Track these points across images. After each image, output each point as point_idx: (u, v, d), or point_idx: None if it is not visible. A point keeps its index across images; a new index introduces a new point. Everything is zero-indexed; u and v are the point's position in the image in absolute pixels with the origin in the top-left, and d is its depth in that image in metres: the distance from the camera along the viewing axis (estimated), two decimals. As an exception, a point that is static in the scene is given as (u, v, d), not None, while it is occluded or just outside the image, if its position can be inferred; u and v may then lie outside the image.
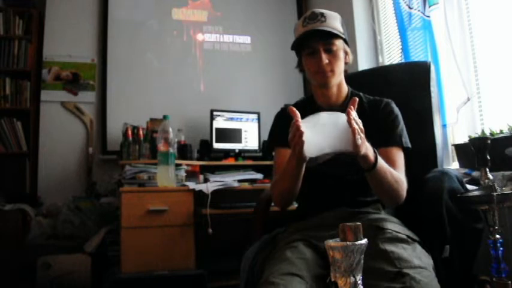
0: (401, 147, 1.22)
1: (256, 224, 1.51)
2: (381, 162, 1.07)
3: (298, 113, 1.02)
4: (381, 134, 1.19)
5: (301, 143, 0.98)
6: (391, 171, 1.10)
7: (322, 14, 1.22)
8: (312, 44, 1.22)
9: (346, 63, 1.28)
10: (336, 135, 0.99)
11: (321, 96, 1.30)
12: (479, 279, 1.16)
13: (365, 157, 1.03)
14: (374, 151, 1.05)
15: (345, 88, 1.32)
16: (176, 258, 2.12)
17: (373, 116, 1.23)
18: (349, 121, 0.96)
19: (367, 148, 1.02)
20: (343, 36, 1.22)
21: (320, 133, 0.99)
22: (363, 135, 0.99)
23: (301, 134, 0.98)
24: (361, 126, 0.99)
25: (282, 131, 1.31)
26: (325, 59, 1.20)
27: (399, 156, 1.20)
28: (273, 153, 1.35)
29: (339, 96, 1.30)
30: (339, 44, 1.23)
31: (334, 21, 1.23)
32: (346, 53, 1.26)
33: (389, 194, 1.13)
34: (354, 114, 0.98)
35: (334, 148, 0.99)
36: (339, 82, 1.28)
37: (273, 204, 1.54)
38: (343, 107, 1.25)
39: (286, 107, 1.24)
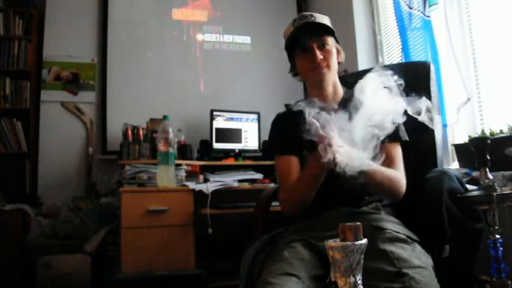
0: (398, 142, 1.21)
1: (256, 224, 1.51)
2: (370, 167, 1.06)
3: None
4: None
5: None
6: (383, 173, 1.10)
7: (311, 15, 1.24)
8: (304, 42, 1.22)
9: (339, 63, 1.28)
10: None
11: (317, 97, 1.27)
12: (479, 279, 1.16)
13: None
14: None
15: (340, 88, 1.32)
16: (176, 258, 2.12)
17: None
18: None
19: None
20: (333, 29, 1.23)
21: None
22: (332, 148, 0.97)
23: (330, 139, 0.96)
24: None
25: (281, 139, 1.31)
26: (319, 54, 1.20)
27: (396, 152, 1.21)
28: (275, 161, 1.33)
29: (335, 97, 1.29)
30: (331, 40, 1.24)
31: (323, 20, 1.25)
32: (338, 52, 1.27)
33: (384, 192, 1.16)
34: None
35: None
36: (334, 81, 1.28)
37: (273, 204, 1.54)
38: (340, 108, 1.26)
39: (287, 107, 1.24)
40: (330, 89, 1.27)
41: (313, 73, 1.23)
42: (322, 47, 1.22)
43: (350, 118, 1.17)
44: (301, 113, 1.12)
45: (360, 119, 1.01)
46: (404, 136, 1.23)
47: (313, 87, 1.28)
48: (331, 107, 1.24)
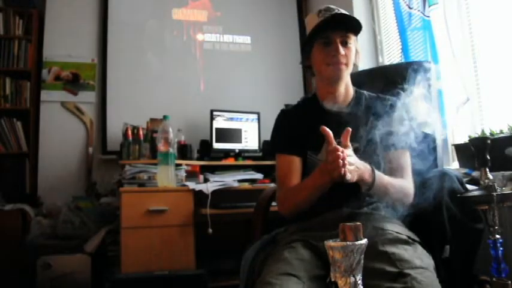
0: (407, 149, 1.18)
1: (256, 224, 1.51)
2: (379, 180, 1.08)
3: (331, 135, 1.01)
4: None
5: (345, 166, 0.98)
6: (392, 184, 1.10)
7: (337, 9, 1.20)
8: (328, 34, 1.17)
9: (354, 65, 1.24)
10: None
11: (328, 95, 1.25)
12: (479, 279, 1.16)
13: (359, 181, 1.05)
14: (372, 170, 1.07)
15: (352, 89, 1.28)
16: (176, 258, 2.12)
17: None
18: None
19: (360, 174, 1.04)
20: (361, 27, 1.19)
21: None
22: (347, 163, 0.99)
23: (345, 158, 0.98)
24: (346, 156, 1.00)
25: (284, 137, 1.30)
26: (342, 50, 1.16)
27: (405, 160, 1.18)
28: (275, 159, 1.30)
29: (346, 97, 1.26)
30: (353, 39, 1.20)
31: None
32: (356, 53, 1.23)
33: (392, 202, 1.14)
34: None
35: None
36: (347, 81, 1.25)
37: (273, 204, 1.54)
38: (349, 108, 1.25)
39: (287, 107, 1.23)
40: (341, 89, 1.24)
41: (330, 68, 1.18)
42: (345, 44, 1.18)
43: (361, 120, 1.17)
44: (306, 111, 1.11)
45: (376, 128, 1.03)
46: (412, 142, 1.21)
47: (325, 83, 1.24)
48: (342, 108, 1.24)
